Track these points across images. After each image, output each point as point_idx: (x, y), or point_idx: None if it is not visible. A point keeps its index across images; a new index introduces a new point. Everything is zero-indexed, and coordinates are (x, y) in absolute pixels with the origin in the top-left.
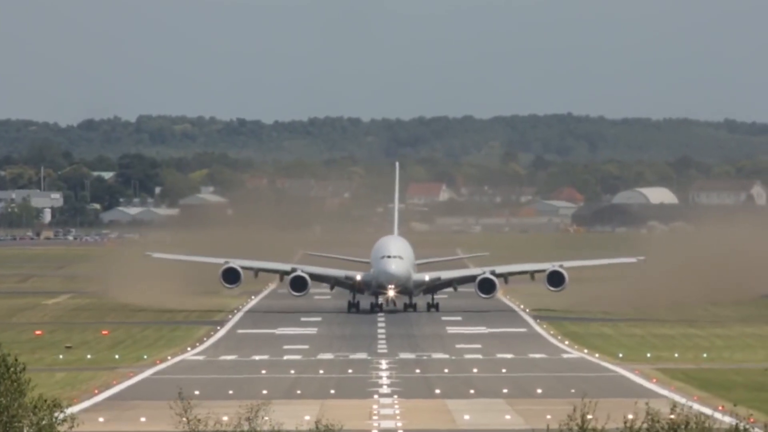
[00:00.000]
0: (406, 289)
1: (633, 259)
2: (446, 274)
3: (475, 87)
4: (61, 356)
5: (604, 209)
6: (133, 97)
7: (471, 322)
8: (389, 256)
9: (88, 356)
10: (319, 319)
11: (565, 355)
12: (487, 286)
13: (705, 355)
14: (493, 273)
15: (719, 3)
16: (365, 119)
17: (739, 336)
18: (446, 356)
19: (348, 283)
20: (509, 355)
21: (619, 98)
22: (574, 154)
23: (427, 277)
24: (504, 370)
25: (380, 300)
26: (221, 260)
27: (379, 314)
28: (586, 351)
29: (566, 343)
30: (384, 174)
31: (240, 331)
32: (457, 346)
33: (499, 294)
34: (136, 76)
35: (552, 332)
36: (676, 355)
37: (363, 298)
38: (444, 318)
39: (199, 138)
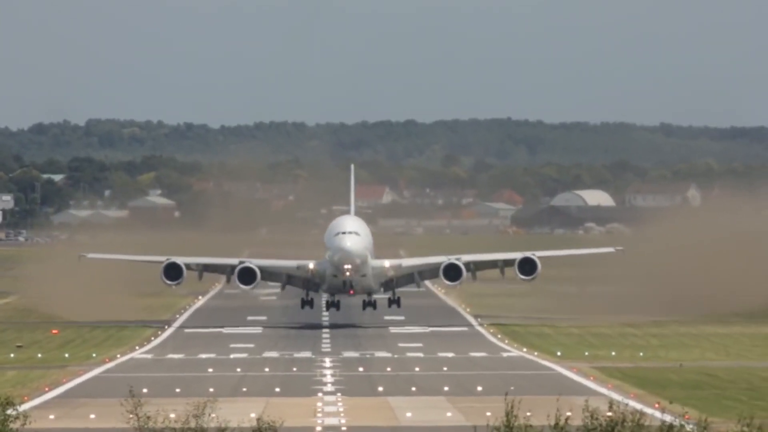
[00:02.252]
0: (363, 277)
1: (611, 249)
2: (408, 262)
3: (417, 92)
4: (12, 355)
5: (542, 211)
6: (83, 101)
7: (413, 321)
8: (344, 233)
9: (39, 355)
10: (264, 318)
11: (505, 354)
12: (452, 273)
13: (641, 353)
14: (458, 260)
15: (653, 13)
16: (310, 123)
17: (674, 335)
18: (389, 355)
19: (300, 278)
20: (450, 354)
21: (557, 103)
22: (514, 157)
23: (387, 263)
24: (445, 369)
25: (336, 297)
26: (162, 258)
27: (324, 313)
28: (525, 350)
29: (506, 342)
30: (328, 177)
31: (187, 330)
32: (400, 344)
33: (442, 293)
34: (85, 81)
35: (492, 331)
36: (613, 353)
37: (317, 297)
38: (387, 317)
39: (147, 141)
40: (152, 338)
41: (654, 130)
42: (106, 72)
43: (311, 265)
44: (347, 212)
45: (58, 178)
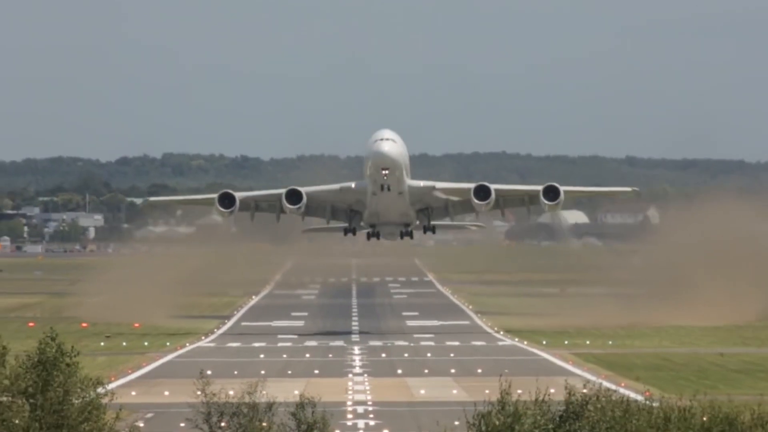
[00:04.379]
0: (400, 194)
1: (628, 189)
2: (441, 184)
3: (429, 129)
4: (102, 344)
5: (531, 227)
6: (159, 138)
7: (426, 317)
8: (383, 139)
9: (123, 344)
10: (306, 313)
11: (500, 343)
12: (482, 194)
13: (611, 342)
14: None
15: (621, 61)
16: (342, 156)
17: (637, 326)
18: (406, 343)
19: (344, 205)
20: (456, 342)
21: (543, 139)
22: (508, 183)
23: (422, 183)
24: (452, 354)
25: (377, 228)
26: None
27: (354, 320)
28: (516, 339)
29: (501, 333)
30: None
31: (243, 323)
32: (415, 335)
33: (448, 293)
34: (161, 120)
35: (489, 324)
36: (588, 342)
37: (359, 227)
38: (404, 313)
39: (211, 171)
40: (215, 330)
41: (621, 161)
42: (178, 112)
43: (353, 185)
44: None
45: (139, 201)
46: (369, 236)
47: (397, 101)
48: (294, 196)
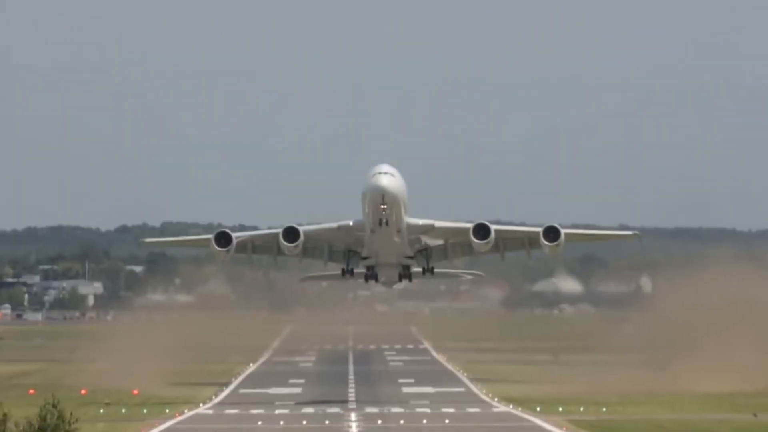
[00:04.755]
0: (399, 233)
1: (629, 233)
2: (440, 223)
3: (425, 198)
4: (101, 410)
5: (525, 296)
6: (158, 208)
7: (422, 383)
8: (381, 173)
9: (123, 411)
10: (303, 381)
11: (494, 409)
12: (482, 233)
13: (604, 409)
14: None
15: (614, 131)
16: (337, 225)
17: (630, 394)
18: (402, 410)
19: (341, 244)
20: (451, 409)
21: (537, 208)
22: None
23: (420, 221)
24: (447, 421)
25: (375, 268)
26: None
27: (350, 388)
28: (511, 406)
29: (495, 399)
30: None
31: (242, 390)
32: (411, 402)
33: (444, 360)
34: (159, 190)
35: (484, 391)
36: (582, 409)
37: (357, 267)
38: (400, 380)
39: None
40: (213, 397)
41: (614, 229)
42: (176, 182)
43: (351, 222)
44: (368, 296)
45: (138, 269)
46: (367, 278)
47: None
48: (291, 234)
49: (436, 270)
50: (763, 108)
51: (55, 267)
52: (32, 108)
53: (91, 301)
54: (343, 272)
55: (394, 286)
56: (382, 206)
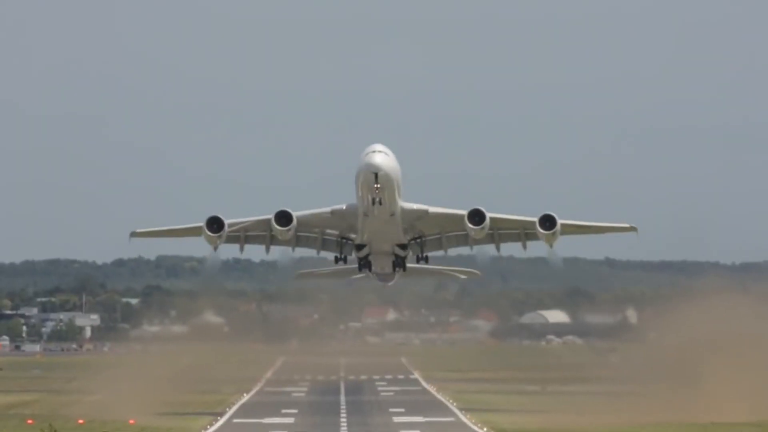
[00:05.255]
0: (392, 216)
1: (626, 225)
2: (434, 209)
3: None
4: None
5: (513, 327)
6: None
7: (412, 413)
8: (374, 152)
9: None
10: (296, 411)
11: None
12: (477, 219)
13: None
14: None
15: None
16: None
17: (618, 424)
18: None
19: (334, 233)
20: None
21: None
22: (491, 285)
23: (414, 205)
24: None
25: (369, 257)
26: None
27: (342, 416)
28: None
29: (484, 430)
30: (345, 300)
31: (235, 420)
32: (402, 431)
33: (434, 390)
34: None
35: (473, 420)
36: None
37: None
38: (391, 410)
39: (204, 272)
40: (208, 426)
41: (600, 263)
42: (171, 215)
43: (344, 206)
44: (359, 327)
45: (134, 301)
46: (360, 267)
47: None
48: (284, 219)
49: (432, 268)
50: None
51: (53, 299)
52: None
53: (88, 332)
54: (336, 259)
55: (389, 283)
56: (375, 185)
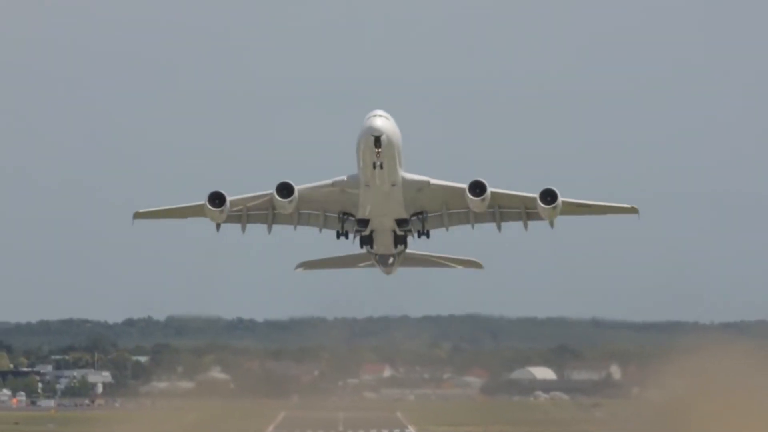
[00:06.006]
0: (393, 186)
1: (628, 206)
2: (435, 181)
3: (408, 291)
4: None
5: (503, 383)
6: (162, 301)
7: None
8: (375, 116)
9: None
10: None
11: None
12: (478, 190)
13: None
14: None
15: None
16: (329, 318)
17: None
18: None
19: (336, 207)
20: None
21: (514, 302)
22: (482, 343)
23: (417, 177)
24: None
25: (371, 230)
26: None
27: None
28: None
29: None
30: (344, 358)
31: None
32: None
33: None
34: (164, 286)
35: None
36: None
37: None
38: None
39: (210, 332)
40: None
41: (586, 323)
42: (180, 278)
43: (345, 177)
44: (357, 383)
45: (143, 359)
46: (362, 244)
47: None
48: (285, 190)
49: (433, 255)
50: (728, 212)
51: (67, 357)
52: (44, 213)
53: (100, 389)
54: (338, 234)
55: (390, 271)
56: (376, 150)
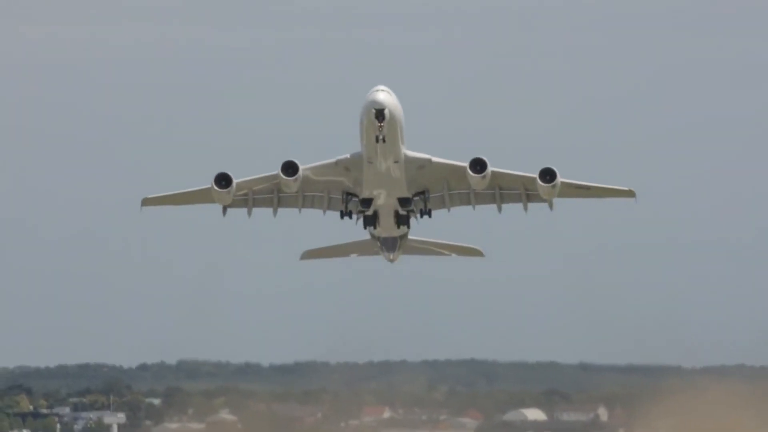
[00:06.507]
0: (396, 163)
1: (626, 188)
2: (437, 159)
3: (407, 337)
4: None
5: (496, 424)
6: (175, 346)
7: None
8: (378, 90)
9: None
10: None
11: None
12: (479, 167)
13: None
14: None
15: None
16: (332, 362)
17: None
18: None
19: (340, 190)
20: None
21: (507, 346)
22: (477, 386)
23: (419, 154)
24: None
25: (374, 209)
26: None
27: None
28: None
29: None
30: (346, 400)
31: None
32: None
33: None
34: (176, 331)
35: None
36: None
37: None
38: None
39: (219, 376)
40: None
41: (575, 367)
42: (192, 323)
43: (348, 155)
44: (358, 425)
45: (156, 401)
46: (365, 224)
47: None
48: (290, 169)
49: (434, 242)
50: (704, 260)
51: (84, 399)
52: (60, 265)
53: (115, 429)
54: (342, 214)
55: (395, 249)
56: (379, 123)
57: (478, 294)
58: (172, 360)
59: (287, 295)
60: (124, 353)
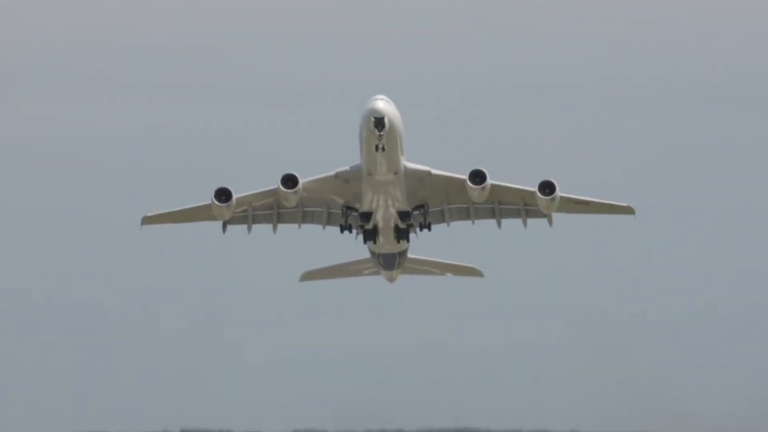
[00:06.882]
0: (396, 175)
1: (625, 204)
2: (436, 171)
3: (405, 404)
4: None
5: None
6: (177, 413)
7: None
8: (377, 99)
9: None
10: None
11: None
12: (478, 179)
13: None
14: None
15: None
16: (330, 430)
17: None
18: None
19: (340, 204)
20: None
21: (502, 414)
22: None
23: (417, 166)
24: None
25: (374, 222)
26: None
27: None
28: None
29: None
30: None
31: None
32: None
33: None
34: (178, 399)
35: None
36: None
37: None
38: None
39: None
40: None
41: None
42: (192, 389)
43: (348, 167)
44: None
45: None
46: (365, 239)
47: (376, 376)
48: (290, 182)
49: (434, 261)
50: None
51: None
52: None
53: None
54: (342, 229)
55: (394, 267)
56: (378, 133)
57: (476, 360)
58: (174, 428)
59: (288, 361)
60: (126, 422)
